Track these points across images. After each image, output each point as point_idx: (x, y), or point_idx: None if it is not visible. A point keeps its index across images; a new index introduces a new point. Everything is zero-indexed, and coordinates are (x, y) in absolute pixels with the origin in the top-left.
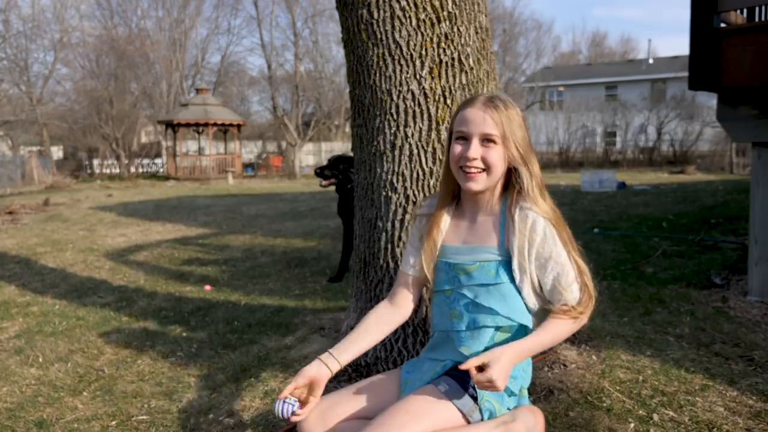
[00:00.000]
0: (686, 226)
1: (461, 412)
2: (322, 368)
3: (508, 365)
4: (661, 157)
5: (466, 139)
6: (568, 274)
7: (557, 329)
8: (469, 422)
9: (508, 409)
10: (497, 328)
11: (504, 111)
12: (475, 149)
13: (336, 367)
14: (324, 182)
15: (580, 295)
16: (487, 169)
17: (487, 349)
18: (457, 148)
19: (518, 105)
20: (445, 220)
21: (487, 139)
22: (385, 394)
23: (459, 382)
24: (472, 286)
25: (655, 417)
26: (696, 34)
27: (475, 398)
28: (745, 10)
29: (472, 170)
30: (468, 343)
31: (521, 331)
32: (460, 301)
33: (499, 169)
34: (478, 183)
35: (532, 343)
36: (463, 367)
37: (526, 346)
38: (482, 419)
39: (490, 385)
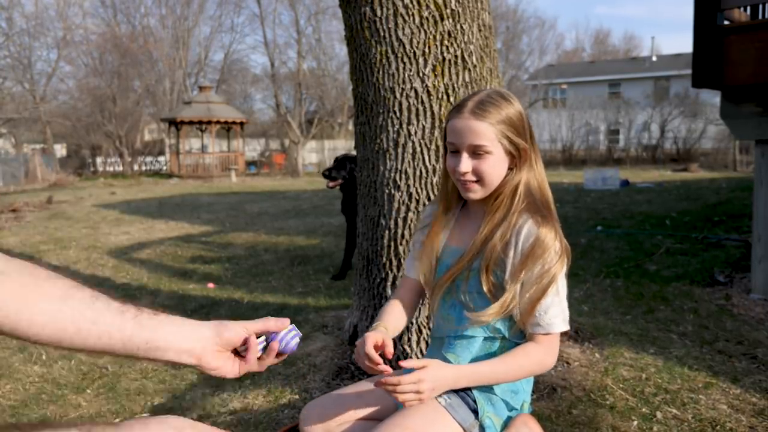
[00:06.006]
0: (689, 223)
1: (462, 427)
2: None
3: (435, 383)
4: (664, 154)
5: (456, 151)
6: (551, 296)
7: (521, 355)
8: None
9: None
10: (485, 339)
11: (495, 115)
12: (466, 163)
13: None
14: (331, 183)
15: (557, 323)
16: (479, 180)
17: (475, 358)
18: (450, 162)
19: (520, 101)
20: (448, 224)
21: (476, 151)
22: (387, 396)
23: (460, 395)
24: (467, 292)
25: (659, 415)
26: (699, 32)
27: (476, 413)
28: (748, 8)
29: (467, 183)
30: (456, 350)
31: (510, 345)
32: (455, 306)
33: (493, 177)
34: (476, 193)
35: (484, 369)
36: (402, 363)
37: (471, 373)
38: None
39: (409, 393)
